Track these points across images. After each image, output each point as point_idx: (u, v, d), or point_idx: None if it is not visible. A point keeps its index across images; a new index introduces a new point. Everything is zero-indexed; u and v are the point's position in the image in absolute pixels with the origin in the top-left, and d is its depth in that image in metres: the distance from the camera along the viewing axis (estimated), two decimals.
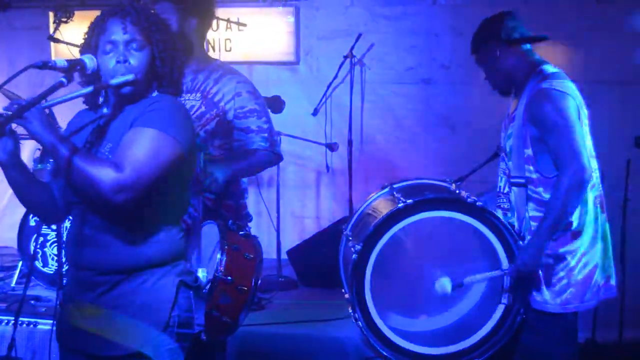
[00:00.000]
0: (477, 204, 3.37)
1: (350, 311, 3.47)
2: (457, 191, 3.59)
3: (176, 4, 3.60)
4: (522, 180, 3.36)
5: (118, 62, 2.45)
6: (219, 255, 3.20)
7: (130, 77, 2.45)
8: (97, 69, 2.46)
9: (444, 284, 3.36)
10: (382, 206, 3.68)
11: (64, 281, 2.82)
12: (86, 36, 2.56)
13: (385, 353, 3.46)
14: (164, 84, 2.57)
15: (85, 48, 2.55)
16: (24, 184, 2.49)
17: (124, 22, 2.48)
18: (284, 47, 6.87)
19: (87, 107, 2.66)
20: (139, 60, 2.49)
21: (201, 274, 3.04)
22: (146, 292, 2.48)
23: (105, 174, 2.27)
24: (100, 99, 2.58)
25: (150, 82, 2.54)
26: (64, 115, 2.70)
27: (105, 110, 2.60)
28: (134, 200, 2.33)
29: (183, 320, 2.55)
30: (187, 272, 2.63)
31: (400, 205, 3.39)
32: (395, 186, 3.84)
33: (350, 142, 6.24)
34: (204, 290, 2.86)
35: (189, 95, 3.66)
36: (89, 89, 2.46)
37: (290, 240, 6.44)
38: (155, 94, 2.56)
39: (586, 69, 5.87)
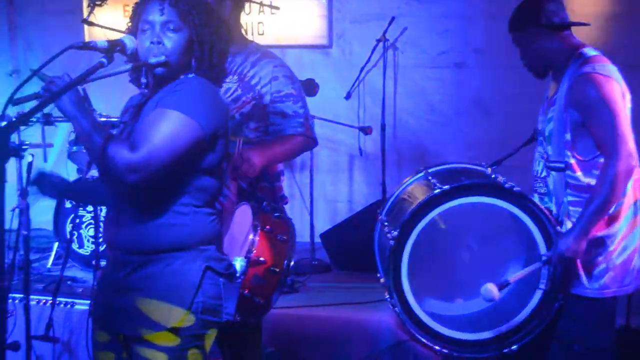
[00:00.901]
0: (515, 189, 3.34)
1: (387, 297, 3.47)
2: (494, 176, 3.56)
3: None
4: (562, 165, 3.32)
5: (152, 42, 2.46)
6: (251, 236, 3.22)
7: (162, 58, 2.46)
8: (136, 50, 2.47)
9: (490, 289, 3.25)
10: (417, 191, 3.67)
11: (102, 262, 2.90)
12: (130, 18, 2.59)
13: (422, 339, 3.46)
14: (203, 68, 2.55)
15: (128, 29, 2.57)
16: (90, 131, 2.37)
17: (162, 4, 2.48)
18: (317, 31, 6.85)
19: (134, 84, 2.67)
20: (174, 42, 2.48)
21: (238, 263, 3.05)
22: (170, 275, 2.48)
23: (120, 154, 2.30)
24: (143, 78, 2.57)
25: (186, 65, 2.53)
26: (108, 95, 2.73)
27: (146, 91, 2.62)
28: (148, 180, 2.35)
29: (209, 306, 2.53)
30: (217, 258, 2.60)
31: (436, 190, 3.37)
32: (430, 170, 3.80)
33: (383, 126, 6.22)
34: (237, 280, 2.81)
35: (225, 77, 3.67)
36: (127, 67, 2.49)
37: (323, 224, 6.44)
38: (191, 75, 2.54)
39: (623, 52, 5.80)
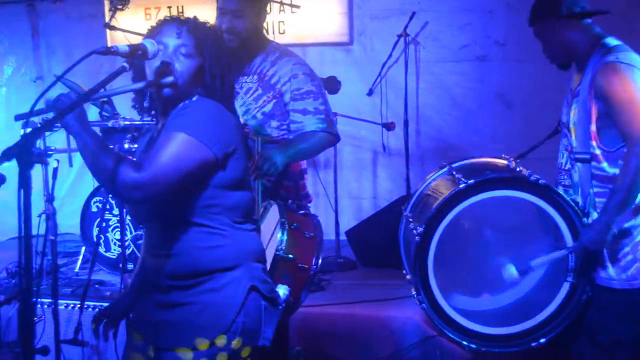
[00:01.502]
0: (540, 181, 3.32)
1: (414, 293, 3.45)
2: (518, 169, 3.53)
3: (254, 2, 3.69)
4: (587, 156, 3.29)
5: (162, 62, 2.45)
6: (279, 234, 3.22)
7: (170, 79, 2.46)
8: (158, 53, 2.45)
9: (511, 271, 3.31)
10: (442, 187, 3.65)
11: (130, 266, 2.90)
12: (146, 36, 2.57)
13: (450, 334, 3.44)
14: (212, 97, 2.54)
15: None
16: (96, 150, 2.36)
17: (179, 28, 2.50)
18: (338, 28, 6.86)
19: (136, 110, 2.68)
20: (185, 66, 2.49)
21: (282, 291, 3.04)
22: (215, 292, 2.48)
23: (125, 172, 2.29)
24: (146, 103, 2.59)
25: (192, 91, 2.52)
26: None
27: (149, 117, 2.64)
28: (152, 199, 2.35)
29: (248, 328, 2.51)
30: (263, 280, 2.58)
31: (461, 185, 3.36)
32: (454, 165, 3.78)
33: (406, 122, 6.22)
34: (279, 307, 2.75)
35: (246, 77, 3.70)
36: (138, 85, 2.49)
37: (348, 221, 6.45)
38: (195, 98, 2.52)
39: None
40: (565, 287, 3.41)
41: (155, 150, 2.39)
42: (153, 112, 2.64)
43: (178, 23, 2.52)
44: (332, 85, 5.68)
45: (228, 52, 2.63)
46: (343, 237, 6.10)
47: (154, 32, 2.54)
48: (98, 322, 2.78)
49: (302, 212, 3.49)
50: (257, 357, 2.57)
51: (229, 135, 2.50)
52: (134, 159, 2.55)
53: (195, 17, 2.58)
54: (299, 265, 3.27)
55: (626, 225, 3.25)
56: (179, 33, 2.49)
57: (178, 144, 2.37)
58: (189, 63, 2.49)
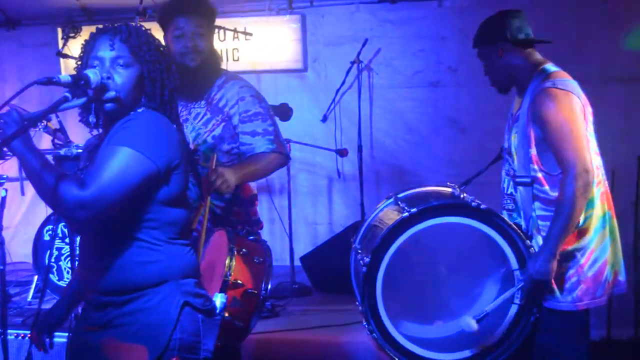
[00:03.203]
0: (482, 207, 3.35)
1: (364, 323, 3.46)
2: (462, 196, 3.57)
3: (209, 20, 3.72)
4: (528, 180, 3.34)
5: (102, 78, 2.41)
6: (227, 260, 3.22)
7: (112, 94, 2.42)
8: (99, 84, 2.40)
9: (469, 322, 3.31)
10: (387, 217, 3.67)
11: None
12: (81, 54, 2.55)
13: None
14: (154, 106, 2.51)
15: (79, 65, 2.54)
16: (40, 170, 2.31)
17: (112, 39, 2.45)
18: (292, 55, 6.90)
19: (83, 124, 2.62)
20: (125, 77, 2.45)
21: (219, 299, 3.03)
22: (149, 311, 2.44)
23: (68, 191, 2.24)
24: (92, 118, 2.53)
25: (136, 101, 2.49)
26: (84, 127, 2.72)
27: (100, 131, 2.60)
28: (98, 217, 2.30)
29: (186, 343, 2.48)
30: (195, 293, 2.55)
31: (405, 214, 3.38)
32: (399, 196, 3.80)
33: (360, 148, 6.26)
34: (217, 317, 2.74)
35: (194, 103, 3.70)
36: (79, 102, 2.41)
37: (304, 246, 6.45)
38: (140, 110, 2.49)
39: (595, 66, 5.88)
40: (513, 309, 3.44)
41: (97, 165, 2.35)
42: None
43: (110, 34, 2.47)
44: (284, 112, 5.71)
45: (166, 55, 2.59)
46: (298, 262, 6.09)
47: (88, 48, 2.50)
48: (39, 332, 2.81)
49: (251, 237, 3.49)
50: None
51: (173, 149, 2.47)
52: (79, 176, 2.52)
53: (126, 24, 2.53)
54: (249, 290, 3.26)
55: (570, 248, 3.30)
56: (112, 45, 2.44)
57: (122, 158, 2.33)
58: (128, 74, 2.45)
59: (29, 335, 4.35)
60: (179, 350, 2.46)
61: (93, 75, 2.39)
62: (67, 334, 4.49)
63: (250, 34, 6.42)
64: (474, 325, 3.30)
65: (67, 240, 5.45)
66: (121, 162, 2.32)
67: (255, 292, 3.29)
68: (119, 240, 2.44)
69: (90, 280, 2.52)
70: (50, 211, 5.75)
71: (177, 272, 2.51)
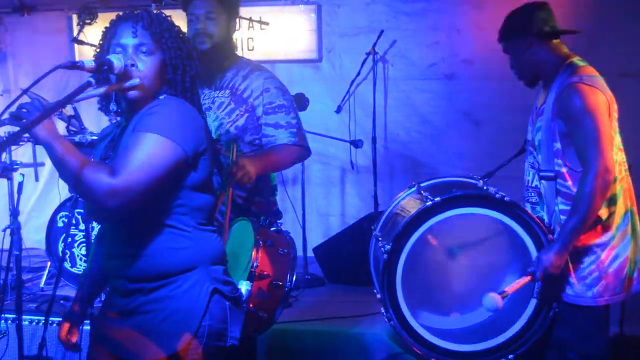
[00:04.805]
0: (506, 199, 3.35)
1: (383, 311, 3.46)
2: (485, 187, 3.57)
3: (225, 5, 3.69)
4: (552, 174, 3.33)
5: (126, 65, 2.41)
6: (254, 252, 3.22)
7: (135, 81, 2.42)
8: (123, 69, 2.41)
9: (494, 298, 3.21)
10: (410, 205, 3.67)
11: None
12: (101, 41, 2.56)
13: (419, 351, 3.45)
14: (175, 93, 2.52)
15: (98, 52, 2.55)
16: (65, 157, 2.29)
17: (134, 26, 2.45)
18: (307, 45, 6.86)
19: (102, 112, 2.65)
20: (147, 65, 2.46)
21: (244, 287, 3.03)
22: (179, 298, 2.45)
23: (98, 179, 2.23)
24: (112, 105, 2.55)
25: (158, 88, 2.50)
26: (99, 115, 2.70)
27: (119, 119, 2.61)
28: (129, 205, 2.29)
29: (215, 330, 2.50)
30: (224, 281, 2.56)
31: (428, 203, 3.38)
32: (422, 185, 3.82)
33: (374, 139, 6.23)
34: (243, 305, 2.75)
35: (218, 92, 3.70)
36: (100, 90, 2.40)
37: (316, 237, 6.43)
38: (162, 97, 2.50)
39: (612, 61, 5.83)
40: (532, 304, 3.43)
41: (125, 153, 2.34)
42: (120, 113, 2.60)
43: (132, 21, 2.47)
44: (301, 102, 5.68)
45: (187, 42, 2.59)
46: (310, 253, 6.08)
47: (110, 35, 2.51)
48: (70, 333, 2.81)
49: (274, 229, 3.49)
50: None
51: (199, 134, 2.48)
52: (107, 164, 2.50)
53: (147, 11, 2.53)
54: (274, 282, 3.27)
55: (591, 243, 3.29)
56: (134, 32, 2.44)
57: (150, 145, 2.32)
58: (151, 61, 2.46)
59: (43, 321, 4.37)
60: (208, 337, 2.47)
61: (117, 60, 2.39)
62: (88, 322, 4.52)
63: (267, 23, 6.40)
64: (499, 301, 3.21)
65: (81, 227, 5.45)
66: (149, 149, 2.32)
67: (281, 283, 3.30)
68: (149, 226, 2.45)
69: (117, 267, 2.52)
70: (64, 197, 5.75)
71: (206, 259, 2.52)
